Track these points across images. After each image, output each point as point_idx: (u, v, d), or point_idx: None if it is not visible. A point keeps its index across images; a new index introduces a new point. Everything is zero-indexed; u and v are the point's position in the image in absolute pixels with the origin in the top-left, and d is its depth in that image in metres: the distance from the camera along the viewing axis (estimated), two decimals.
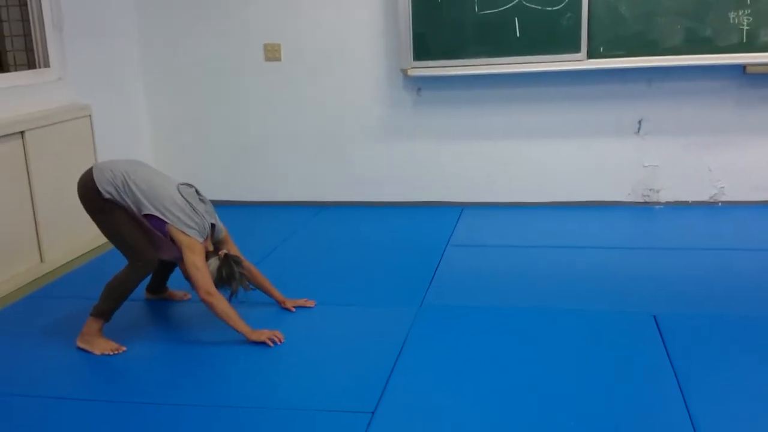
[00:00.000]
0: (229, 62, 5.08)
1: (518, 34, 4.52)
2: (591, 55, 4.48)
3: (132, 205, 2.98)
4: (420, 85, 4.88)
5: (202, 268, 2.94)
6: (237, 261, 3.09)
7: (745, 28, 4.31)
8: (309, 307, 3.37)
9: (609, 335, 2.96)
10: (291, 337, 3.03)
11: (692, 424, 2.30)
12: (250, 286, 3.17)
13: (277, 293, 3.35)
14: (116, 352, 2.97)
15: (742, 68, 4.42)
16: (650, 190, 4.77)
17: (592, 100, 4.68)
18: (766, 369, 2.63)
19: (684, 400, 2.44)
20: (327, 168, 5.14)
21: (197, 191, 3.18)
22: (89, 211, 3.07)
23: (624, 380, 2.60)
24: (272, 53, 5.00)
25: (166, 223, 2.96)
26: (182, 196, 3.05)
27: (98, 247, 4.44)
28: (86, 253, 4.38)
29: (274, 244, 4.35)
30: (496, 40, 4.56)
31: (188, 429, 2.42)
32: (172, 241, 3.00)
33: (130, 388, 2.78)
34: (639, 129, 4.70)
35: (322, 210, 5.09)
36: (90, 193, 3.00)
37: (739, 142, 4.60)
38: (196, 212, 3.04)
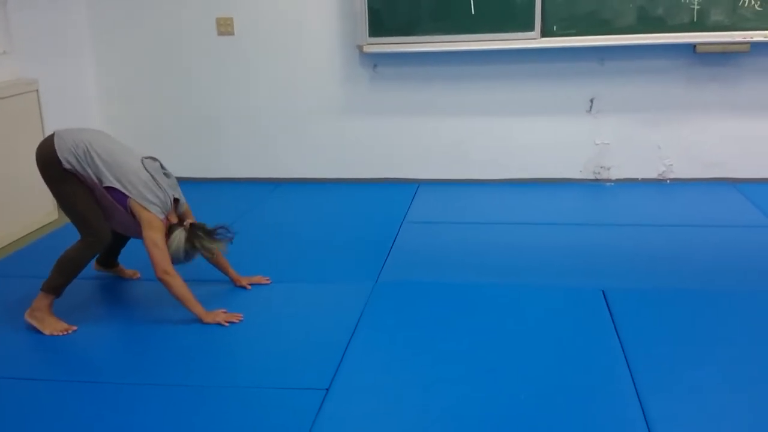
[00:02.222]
0: (181, 36, 4.99)
1: (473, 12, 4.53)
2: (545, 33, 4.52)
3: (93, 176, 2.90)
4: (376, 61, 4.86)
5: (161, 246, 2.89)
6: (203, 228, 3.04)
7: (696, 7, 4.38)
8: (264, 285, 3.36)
9: (559, 310, 3.03)
10: (246, 315, 3.03)
11: (638, 396, 2.37)
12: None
13: (232, 272, 3.34)
14: (66, 332, 2.92)
15: (692, 47, 4.51)
16: (601, 167, 4.86)
17: (546, 78, 4.73)
18: (711, 342, 2.71)
19: (630, 373, 2.51)
20: (283, 144, 5.11)
21: (161, 165, 3.11)
22: (47, 180, 2.98)
23: (572, 354, 2.67)
24: (225, 27, 4.92)
25: (127, 196, 2.90)
26: (146, 169, 2.98)
27: (47, 224, 4.36)
28: (35, 230, 4.29)
29: (228, 221, 4.23)
30: (451, 18, 4.57)
31: (142, 409, 2.41)
32: (132, 215, 2.94)
33: (83, 367, 2.75)
34: (591, 107, 4.77)
35: (278, 186, 5.06)
36: (49, 161, 2.92)
37: (687, 121, 4.70)
38: (160, 187, 2.98)
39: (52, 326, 2.93)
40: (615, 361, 2.60)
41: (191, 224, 3.03)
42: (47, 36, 4.64)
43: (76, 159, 2.90)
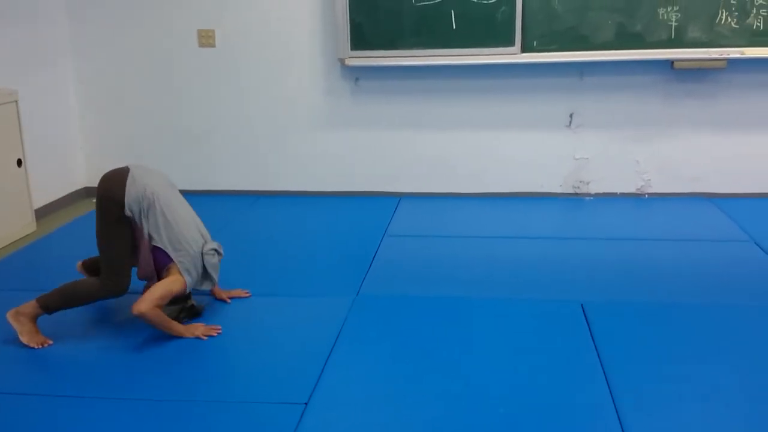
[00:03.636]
0: (162, 48, 4.98)
1: (454, 27, 4.57)
2: (525, 48, 4.56)
3: (147, 231, 2.90)
4: (358, 74, 4.88)
5: (165, 297, 2.87)
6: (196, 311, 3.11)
7: (674, 24, 4.45)
8: (244, 298, 3.35)
9: (538, 323, 3.04)
10: (225, 329, 3.01)
11: (616, 410, 2.38)
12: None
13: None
14: (41, 346, 2.89)
15: (670, 63, 4.57)
16: (581, 182, 4.90)
17: (526, 93, 4.77)
18: (688, 356, 2.74)
19: (609, 386, 2.52)
20: (264, 156, 5.10)
21: (218, 249, 3.12)
22: (100, 210, 2.92)
23: (551, 367, 2.67)
24: (206, 39, 4.92)
25: (171, 259, 2.92)
26: (201, 248, 3.01)
27: (25, 236, 4.31)
28: (13, 242, 4.24)
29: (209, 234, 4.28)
30: (432, 32, 4.60)
31: (119, 424, 2.38)
32: (161, 265, 2.94)
33: (59, 382, 2.70)
34: (571, 122, 4.81)
35: (258, 199, 5.05)
36: (113, 200, 2.88)
37: (665, 136, 4.76)
38: (205, 269, 3.02)
39: (31, 336, 2.89)
40: (593, 374, 2.62)
41: (192, 305, 3.09)
42: (27, 47, 4.61)
43: (139, 210, 2.89)
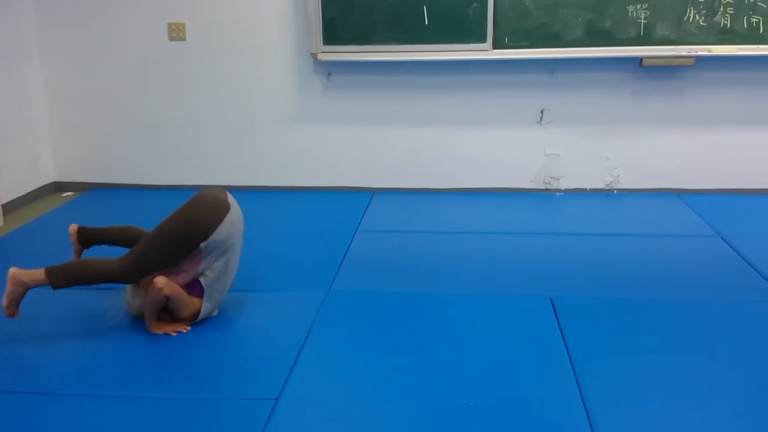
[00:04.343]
0: (132, 41, 4.92)
1: (426, 23, 4.58)
2: (496, 45, 4.59)
3: (203, 267, 2.90)
4: (330, 69, 4.87)
5: (177, 300, 2.87)
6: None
7: (643, 21, 4.51)
8: None
9: (508, 318, 3.07)
10: (195, 325, 2.99)
11: (584, 404, 2.41)
12: None
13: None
14: (9, 316, 2.81)
15: (639, 61, 4.63)
16: (551, 177, 4.95)
17: (498, 89, 4.80)
18: (655, 350, 2.78)
19: (577, 380, 2.55)
20: (235, 151, 5.07)
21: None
22: (182, 222, 2.88)
23: (520, 362, 2.70)
24: (177, 32, 4.87)
25: (198, 283, 2.92)
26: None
27: None
28: None
29: None
30: (405, 28, 4.61)
31: (91, 420, 2.36)
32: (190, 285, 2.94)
33: (30, 378, 2.67)
34: (541, 118, 4.85)
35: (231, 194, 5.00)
36: (199, 229, 2.85)
37: (634, 132, 4.82)
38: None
39: (11, 302, 2.79)
40: (562, 368, 2.65)
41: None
42: None
43: (213, 250, 2.89)
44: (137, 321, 3.01)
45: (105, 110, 5.07)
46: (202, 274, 2.92)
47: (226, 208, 2.94)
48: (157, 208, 4.66)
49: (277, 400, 2.45)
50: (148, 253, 2.87)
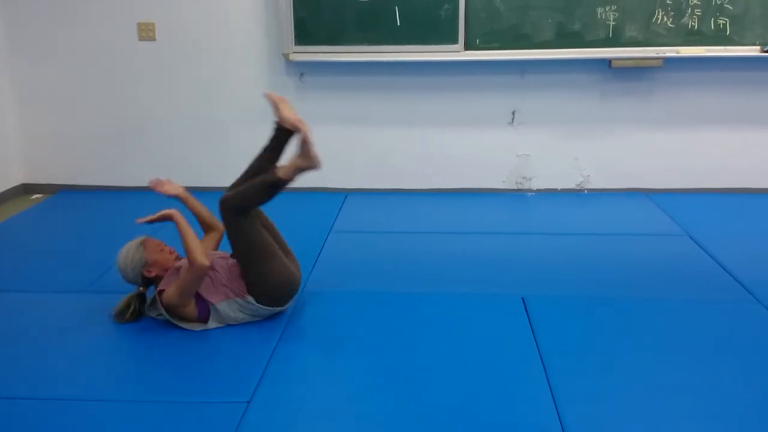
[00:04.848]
0: (101, 41, 4.87)
1: (398, 23, 4.59)
2: (468, 46, 4.61)
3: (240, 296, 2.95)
4: (302, 70, 4.86)
5: (178, 285, 2.84)
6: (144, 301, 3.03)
7: (612, 23, 4.56)
8: None
9: (480, 317, 3.09)
10: (165, 327, 2.97)
11: (554, 401, 2.44)
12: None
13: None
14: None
15: (608, 62, 4.68)
16: (523, 178, 4.99)
17: (470, 90, 4.83)
18: (625, 348, 2.81)
19: (547, 378, 2.58)
20: (206, 152, 5.04)
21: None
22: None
23: (492, 360, 2.72)
24: (146, 32, 4.83)
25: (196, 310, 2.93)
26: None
27: None
28: None
29: (149, 231, 4.21)
30: (377, 28, 4.61)
31: (60, 424, 2.33)
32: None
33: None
34: (513, 119, 4.89)
35: (201, 195, 4.94)
36: (283, 294, 3.03)
37: (603, 133, 4.88)
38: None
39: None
40: (532, 366, 2.67)
41: (141, 294, 3.03)
42: None
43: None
44: (106, 326, 2.97)
45: (74, 111, 5.01)
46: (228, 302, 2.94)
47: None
48: (127, 210, 4.64)
49: (248, 402, 2.44)
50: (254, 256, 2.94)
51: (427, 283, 3.44)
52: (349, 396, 2.50)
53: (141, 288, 3.02)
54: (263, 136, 5.00)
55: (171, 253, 3.07)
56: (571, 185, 4.99)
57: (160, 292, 2.90)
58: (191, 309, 2.91)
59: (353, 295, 3.31)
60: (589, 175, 4.96)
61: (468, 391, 2.51)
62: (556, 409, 2.40)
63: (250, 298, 2.93)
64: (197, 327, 2.94)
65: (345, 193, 5.00)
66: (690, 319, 3.06)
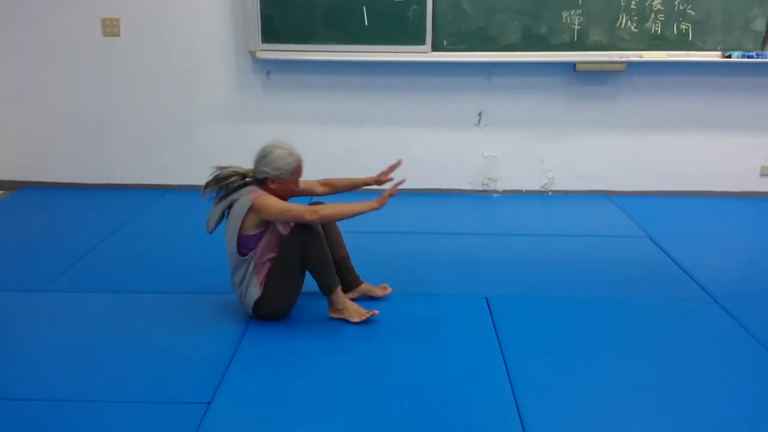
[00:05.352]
0: (64, 36, 4.78)
1: (366, 23, 4.58)
2: (435, 47, 4.63)
3: (240, 260, 2.93)
4: (269, 68, 4.83)
5: (285, 206, 2.85)
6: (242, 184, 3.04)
7: (576, 27, 4.61)
8: (151, 297, 3.26)
9: (444, 316, 3.11)
10: (125, 327, 2.94)
11: (515, 400, 2.46)
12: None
13: (364, 178, 3.35)
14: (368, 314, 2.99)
15: (573, 66, 4.73)
16: (489, 179, 5.02)
17: (437, 91, 4.84)
18: (588, 348, 2.85)
19: (509, 377, 2.60)
20: (171, 149, 4.98)
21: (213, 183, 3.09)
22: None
23: (455, 359, 2.74)
24: (111, 28, 4.76)
25: (247, 234, 2.89)
26: (216, 218, 3.02)
27: None
28: None
29: (112, 228, 4.17)
30: (345, 28, 4.60)
31: (18, 424, 2.29)
32: (264, 228, 2.92)
33: None
34: (479, 121, 4.92)
35: (165, 193, 4.93)
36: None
37: (568, 135, 4.93)
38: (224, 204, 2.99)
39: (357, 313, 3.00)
40: (495, 366, 2.69)
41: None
42: None
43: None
44: (65, 324, 2.91)
45: (36, 107, 4.92)
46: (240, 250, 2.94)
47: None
48: (87, 208, 4.59)
49: (209, 403, 2.42)
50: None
51: (391, 283, 3.43)
52: (312, 396, 2.49)
53: (249, 177, 3.02)
54: (230, 133, 4.99)
55: (291, 193, 3.05)
56: (536, 187, 5.04)
57: (259, 196, 2.89)
58: (253, 226, 2.88)
59: (317, 295, 3.29)
60: (553, 177, 5.01)
61: (430, 390, 2.52)
62: (517, 407, 2.42)
63: (254, 291, 2.92)
64: (232, 250, 2.93)
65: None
66: (649, 318, 3.11)
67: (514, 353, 2.78)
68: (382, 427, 2.33)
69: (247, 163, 4.96)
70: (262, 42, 4.64)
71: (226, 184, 2.99)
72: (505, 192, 5.04)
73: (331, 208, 2.91)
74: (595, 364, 2.72)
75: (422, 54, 4.64)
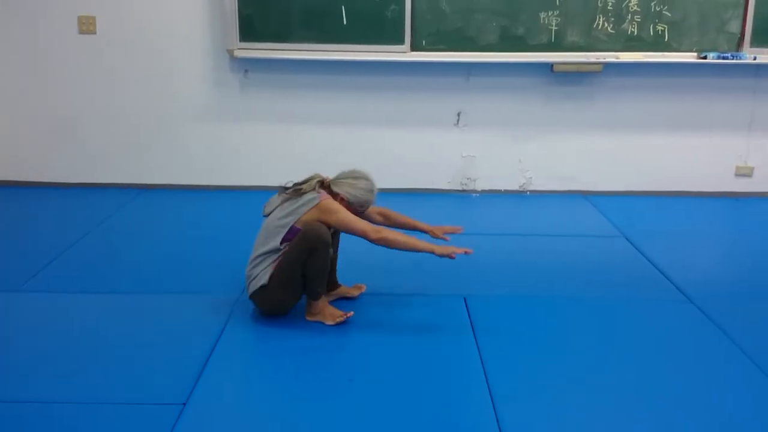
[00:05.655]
0: (40, 34, 4.73)
1: (345, 22, 4.58)
2: (414, 47, 4.63)
3: (275, 246, 2.93)
4: (247, 66, 4.81)
5: (351, 218, 2.90)
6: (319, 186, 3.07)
7: (554, 28, 4.64)
8: (122, 296, 3.24)
9: (422, 316, 3.11)
10: (100, 327, 2.91)
11: (492, 400, 2.46)
12: None
13: (421, 224, 3.25)
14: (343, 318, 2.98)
15: (550, 66, 4.76)
16: (468, 179, 5.04)
17: (416, 91, 4.85)
18: (565, 347, 2.86)
19: (486, 377, 2.60)
20: (148, 148, 4.94)
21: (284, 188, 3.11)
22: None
23: (432, 359, 2.73)
24: (87, 26, 4.71)
25: (297, 228, 2.89)
26: (278, 205, 3.03)
27: None
28: None
29: (87, 228, 4.13)
30: (323, 27, 4.60)
31: None
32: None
33: None
34: (458, 121, 4.93)
35: (142, 193, 4.88)
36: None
37: (545, 136, 4.96)
38: (294, 199, 2.98)
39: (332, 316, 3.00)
40: (472, 366, 2.69)
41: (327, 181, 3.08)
42: None
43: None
44: (38, 325, 2.88)
45: (10, 105, 4.85)
46: (278, 241, 2.94)
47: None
48: (62, 208, 4.54)
49: (184, 404, 2.40)
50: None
51: (368, 283, 3.43)
52: (288, 397, 2.48)
53: (326, 181, 3.08)
54: (207, 132, 4.96)
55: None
56: (515, 186, 5.06)
57: (329, 199, 2.95)
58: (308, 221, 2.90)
59: None
60: (531, 177, 5.03)
61: (407, 390, 2.52)
62: (494, 407, 2.42)
63: (264, 278, 2.92)
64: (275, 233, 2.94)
65: None
66: (624, 317, 3.13)
67: (492, 352, 2.78)
68: (358, 426, 2.32)
69: (225, 160, 4.95)
70: (240, 41, 4.62)
71: (304, 181, 3.07)
72: (483, 192, 5.05)
73: (394, 234, 2.92)
74: (572, 362, 2.73)
75: (401, 54, 4.64)
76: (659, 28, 4.65)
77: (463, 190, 5.07)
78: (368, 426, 2.32)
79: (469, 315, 3.11)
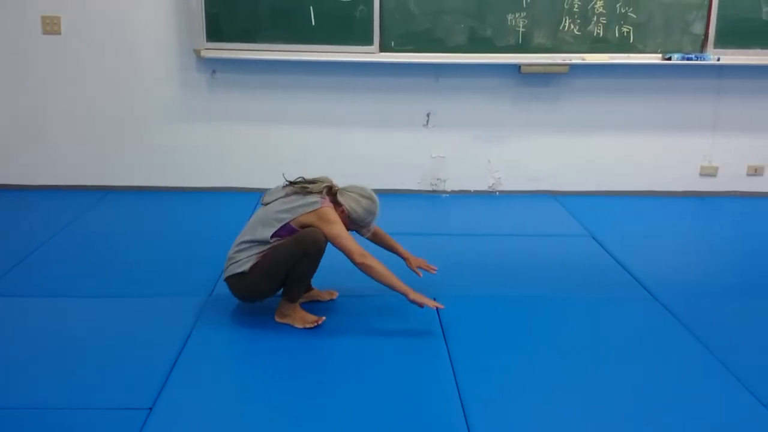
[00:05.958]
0: (3, 34, 4.64)
1: (313, 23, 4.56)
2: (383, 48, 4.64)
3: (264, 238, 2.90)
4: (214, 67, 4.77)
5: (344, 234, 2.88)
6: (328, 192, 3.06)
7: (521, 30, 4.67)
8: (106, 301, 3.19)
9: (392, 317, 3.11)
10: (64, 331, 2.87)
11: (461, 402, 2.47)
12: None
13: (402, 250, 3.30)
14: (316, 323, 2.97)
15: (518, 68, 4.79)
16: (438, 179, 5.05)
17: (385, 92, 4.85)
18: (535, 347, 2.88)
19: (456, 379, 2.61)
20: (113, 150, 4.88)
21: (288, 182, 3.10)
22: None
23: (400, 361, 2.74)
24: (51, 26, 4.64)
25: (291, 227, 2.88)
26: (281, 197, 3.00)
27: None
28: None
29: (53, 231, 4.06)
30: (291, 27, 4.58)
31: None
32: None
33: None
34: (428, 121, 4.94)
35: (108, 195, 4.82)
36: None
37: (514, 137, 4.99)
38: (298, 196, 2.97)
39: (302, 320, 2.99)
40: (441, 367, 2.70)
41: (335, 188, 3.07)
42: None
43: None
44: (3, 329, 2.82)
45: None
46: (267, 240, 2.93)
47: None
48: (26, 210, 4.47)
49: (151, 409, 2.37)
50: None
51: (338, 285, 3.42)
52: (256, 401, 2.46)
53: (334, 188, 3.07)
54: (174, 133, 4.91)
55: (346, 228, 3.02)
56: (484, 187, 5.08)
57: (330, 208, 2.94)
58: (302, 225, 2.89)
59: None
60: (500, 177, 5.07)
61: (376, 393, 2.52)
62: (463, 408, 2.43)
63: (244, 265, 2.91)
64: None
65: (259, 194, 4.90)
66: (592, 316, 3.16)
67: (462, 354, 2.79)
68: (327, 429, 2.31)
69: (193, 162, 4.91)
70: (207, 41, 4.59)
71: (313, 180, 3.06)
72: (453, 192, 5.08)
73: (378, 265, 2.91)
74: (540, 362, 2.75)
75: (370, 54, 4.64)
76: (624, 29, 4.71)
77: (433, 191, 5.08)
78: (337, 429, 2.32)
79: (438, 315, 3.12)
